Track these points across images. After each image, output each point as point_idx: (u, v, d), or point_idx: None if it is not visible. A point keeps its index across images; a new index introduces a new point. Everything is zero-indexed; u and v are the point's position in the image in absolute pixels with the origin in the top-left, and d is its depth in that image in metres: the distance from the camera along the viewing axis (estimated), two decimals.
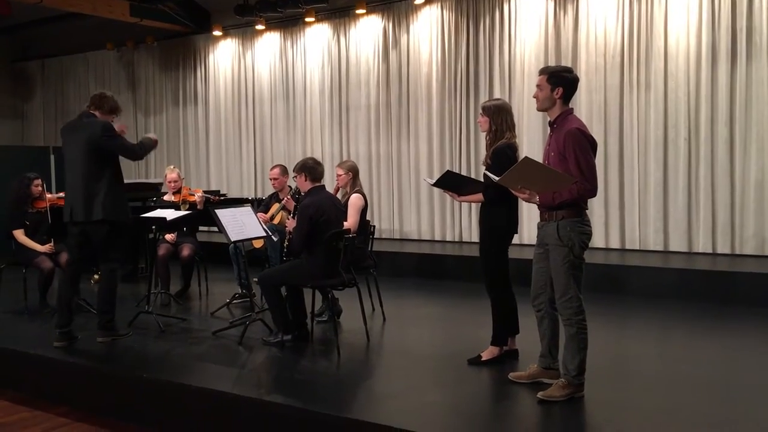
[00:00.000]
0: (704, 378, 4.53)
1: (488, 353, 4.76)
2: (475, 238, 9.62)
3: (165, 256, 7.11)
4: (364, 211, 6.17)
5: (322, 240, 5.11)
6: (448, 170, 4.86)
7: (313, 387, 4.47)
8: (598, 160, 8.49)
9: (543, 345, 4.29)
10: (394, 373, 4.84)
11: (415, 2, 9.72)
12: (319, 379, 4.67)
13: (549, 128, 4.09)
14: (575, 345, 3.97)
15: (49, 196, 7.10)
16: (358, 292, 5.53)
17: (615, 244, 8.69)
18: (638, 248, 8.53)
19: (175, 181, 7.43)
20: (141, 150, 5.59)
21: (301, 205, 5.25)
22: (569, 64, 8.72)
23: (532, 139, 9.02)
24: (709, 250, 8.05)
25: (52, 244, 6.81)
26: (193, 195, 7.32)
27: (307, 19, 10.43)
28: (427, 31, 9.83)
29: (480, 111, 4.78)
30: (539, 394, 4.01)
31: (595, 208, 8.73)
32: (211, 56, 11.99)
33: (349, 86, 10.55)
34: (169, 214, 5.93)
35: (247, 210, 5.70)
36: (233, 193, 11.45)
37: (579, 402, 4.01)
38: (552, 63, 8.93)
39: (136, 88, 13.03)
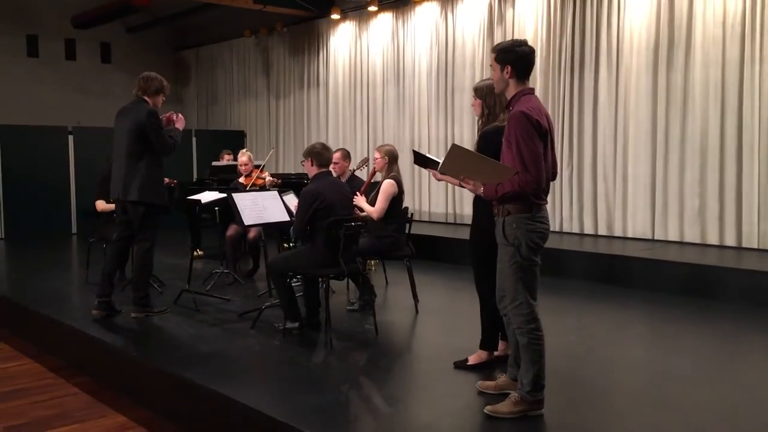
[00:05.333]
0: None
1: (475, 357, 4.35)
2: (576, 227, 8.92)
3: (233, 236, 7.30)
4: (397, 198, 5.88)
5: (322, 227, 4.95)
6: (413, 150, 4.51)
7: (274, 382, 4.33)
8: (714, 144, 7.60)
9: (510, 353, 3.83)
10: (372, 375, 4.44)
11: None
12: (289, 374, 4.43)
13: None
14: (528, 357, 3.49)
15: None
16: (363, 282, 5.28)
17: (731, 241, 7.60)
18: (756, 247, 7.39)
19: (246, 165, 7.61)
20: (174, 148, 5.57)
21: (302, 191, 5.11)
22: (683, 37, 7.79)
23: (640, 121, 8.15)
24: None
25: None
26: (263, 178, 7.46)
27: None
28: (533, 4, 9.17)
29: (472, 93, 4.33)
30: (486, 408, 3.57)
31: (708, 201, 7.69)
32: (331, 39, 12.11)
33: (455, 67, 10.14)
34: (205, 196, 6.06)
35: (272, 194, 5.67)
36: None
37: (533, 422, 3.51)
38: (664, 37, 7.97)
39: (269, 73, 13.54)
